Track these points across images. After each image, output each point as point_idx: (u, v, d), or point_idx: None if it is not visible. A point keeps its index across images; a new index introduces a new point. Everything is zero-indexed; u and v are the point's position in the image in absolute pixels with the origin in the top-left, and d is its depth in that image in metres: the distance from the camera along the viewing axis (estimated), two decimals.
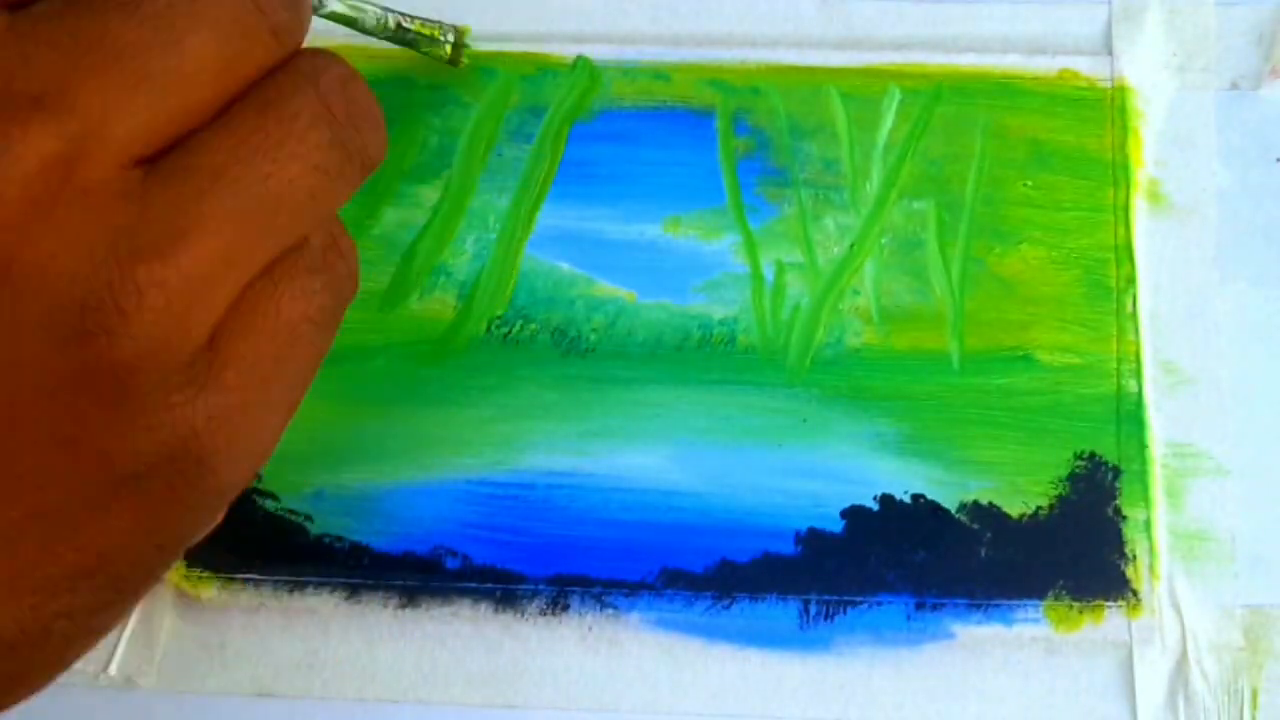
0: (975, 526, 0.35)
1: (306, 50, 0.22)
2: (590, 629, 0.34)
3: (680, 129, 0.40)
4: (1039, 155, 0.39)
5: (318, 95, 0.21)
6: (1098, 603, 0.34)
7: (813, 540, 0.35)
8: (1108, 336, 0.37)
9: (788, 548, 0.35)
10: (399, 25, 0.36)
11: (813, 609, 0.34)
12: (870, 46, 0.40)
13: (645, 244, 0.38)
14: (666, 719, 0.33)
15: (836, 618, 0.34)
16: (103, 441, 0.20)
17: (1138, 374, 0.36)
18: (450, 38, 0.38)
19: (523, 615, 0.34)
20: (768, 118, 0.40)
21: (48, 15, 0.19)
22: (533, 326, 0.37)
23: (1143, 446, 0.35)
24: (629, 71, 0.40)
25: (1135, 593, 0.34)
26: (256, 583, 0.35)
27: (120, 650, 0.34)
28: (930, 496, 0.35)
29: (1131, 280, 0.37)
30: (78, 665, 0.34)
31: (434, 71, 0.40)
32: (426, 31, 0.37)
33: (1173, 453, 0.35)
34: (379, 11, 0.35)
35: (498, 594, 0.34)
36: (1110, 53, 0.40)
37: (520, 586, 0.34)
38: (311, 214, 0.21)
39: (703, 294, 0.38)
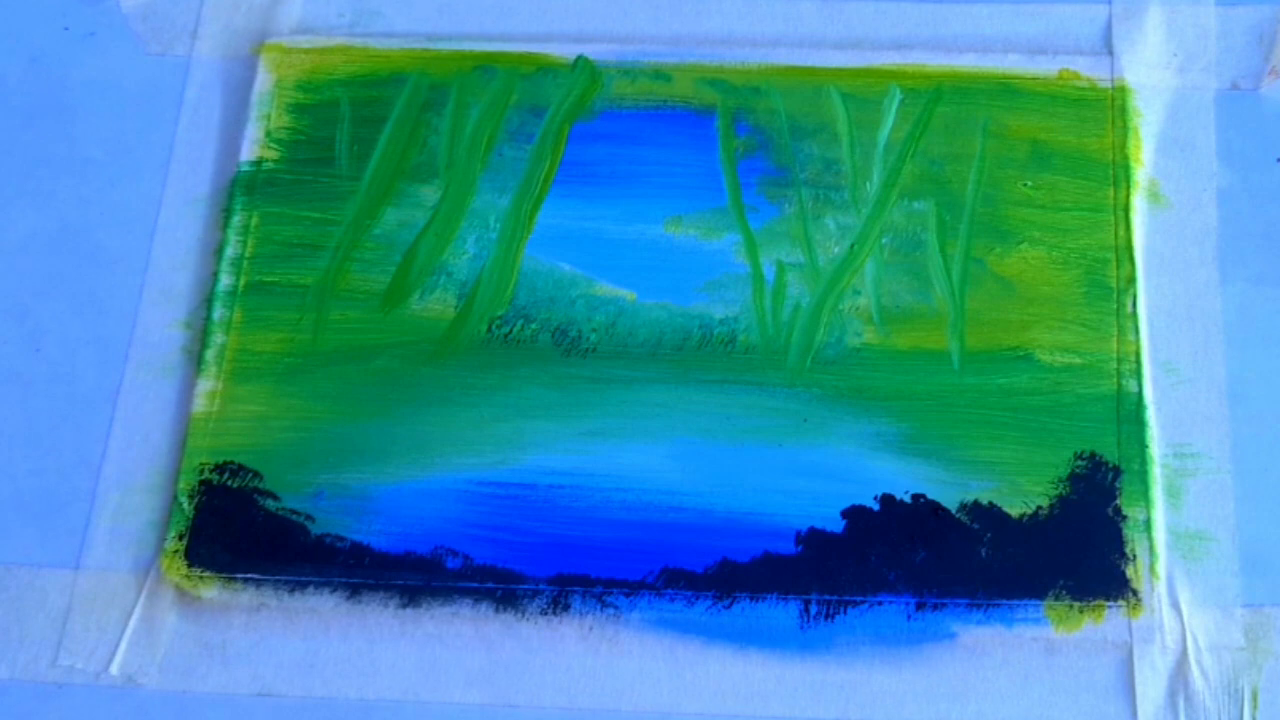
0: (976, 526, 0.35)
1: None
2: (591, 629, 0.34)
3: (681, 129, 0.40)
4: (1039, 155, 0.39)
5: None
6: (1098, 603, 0.34)
7: (813, 540, 0.35)
8: (1108, 336, 0.37)
9: (788, 547, 0.35)
10: None
11: (813, 609, 0.34)
12: (870, 46, 0.40)
13: (646, 244, 0.38)
14: (666, 719, 0.33)
15: (837, 618, 0.34)
16: None
17: (1138, 374, 0.36)
18: None
19: (523, 615, 0.34)
20: (768, 117, 0.40)
21: None
22: (533, 326, 0.37)
23: (1143, 446, 0.35)
24: (629, 71, 0.40)
25: (1135, 593, 0.34)
26: (258, 582, 0.35)
27: (121, 650, 0.34)
28: (931, 496, 0.35)
29: (1131, 280, 0.37)
30: (78, 665, 0.35)
31: (434, 71, 0.40)
32: None
33: (1173, 453, 0.35)
34: None
35: (498, 594, 0.34)
36: (1110, 53, 0.40)
37: (521, 586, 0.34)
38: None
39: (703, 294, 0.38)
